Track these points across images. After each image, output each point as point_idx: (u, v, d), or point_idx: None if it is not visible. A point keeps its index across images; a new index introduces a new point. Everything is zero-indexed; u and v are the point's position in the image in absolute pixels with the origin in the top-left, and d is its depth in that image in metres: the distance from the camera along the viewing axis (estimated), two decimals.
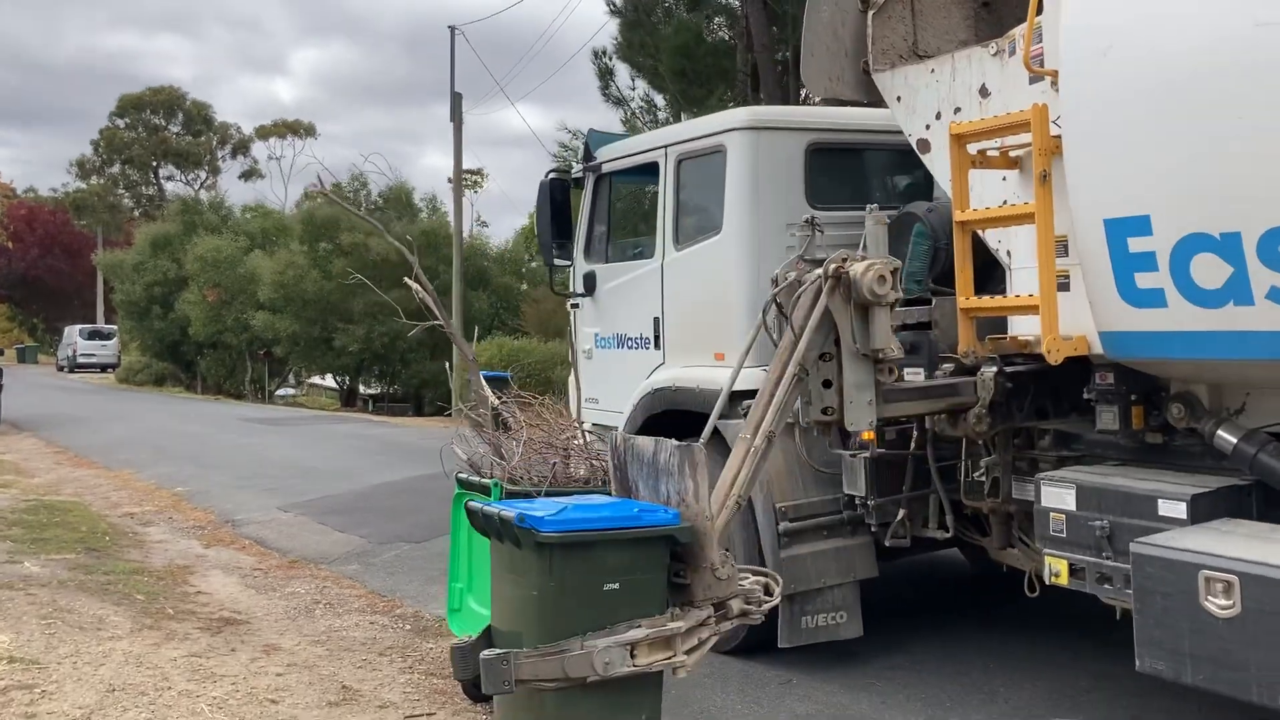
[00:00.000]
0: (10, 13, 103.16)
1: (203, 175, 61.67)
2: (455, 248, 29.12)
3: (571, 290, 8.23)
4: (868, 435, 5.21)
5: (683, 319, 7.17)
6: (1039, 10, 5.00)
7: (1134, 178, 4.55)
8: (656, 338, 7.33)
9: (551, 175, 8.01)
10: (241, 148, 61.38)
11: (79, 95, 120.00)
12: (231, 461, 16.64)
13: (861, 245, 5.34)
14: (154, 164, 61.76)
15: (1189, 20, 4.33)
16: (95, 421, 24.03)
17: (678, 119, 18.61)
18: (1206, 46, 4.26)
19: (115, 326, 51.16)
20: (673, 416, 7.05)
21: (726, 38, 21.54)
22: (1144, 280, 4.58)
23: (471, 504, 5.24)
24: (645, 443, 5.16)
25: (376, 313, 31.22)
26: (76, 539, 10.03)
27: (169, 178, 62.84)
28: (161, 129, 60.81)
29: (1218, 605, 4.16)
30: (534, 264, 36.71)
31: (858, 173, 7.30)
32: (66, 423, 23.52)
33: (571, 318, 8.32)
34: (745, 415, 6.43)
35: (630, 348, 7.59)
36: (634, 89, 22.68)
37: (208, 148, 61.39)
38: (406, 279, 7.62)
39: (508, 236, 44.69)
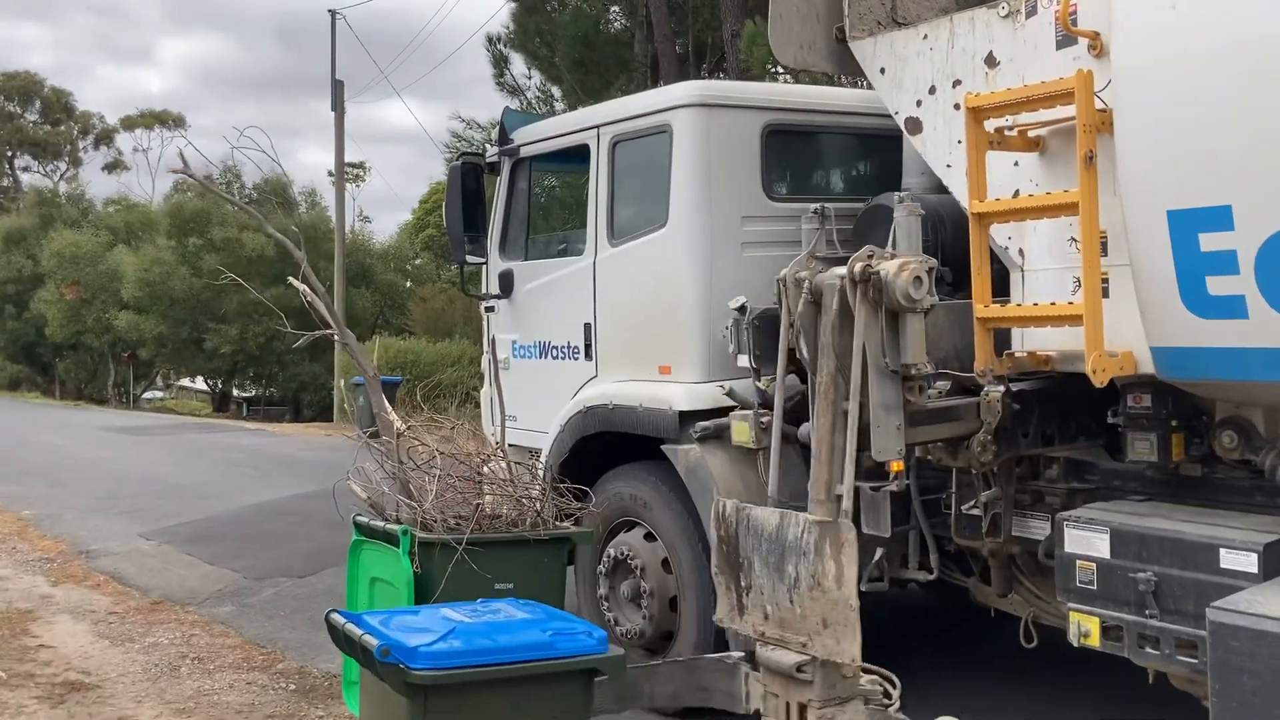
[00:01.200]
0: None
1: (62, 167, 58.35)
2: (338, 242, 27.66)
3: (485, 291, 7.16)
4: (897, 466, 4.28)
5: (620, 325, 6.17)
6: None
7: (1211, 160, 3.70)
8: (588, 347, 6.33)
9: (462, 159, 6.91)
10: (105, 138, 58.01)
11: None
12: (88, 478, 15.03)
13: (890, 241, 4.44)
14: (8, 154, 58.24)
15: None
16: None
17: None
18: None
19: None
20: (608, 439, 6.07)
21: (624, 26, 20.60)
22: (1218, 285, 3.75)
23: (332, 616, 4.25)
24: (767, 514, 4.33)
25: (251, 312, 30.04)
26: None
27: (25, 169, 59.52)
28: (17, 117, 57.27)
29: None
30: (418, 261, 35.45)
31: (820, 159, 6.40)
32: None
33: (485, 322, 7.25)
34: (698, 439, 5.53)
35: (555, 358, 6.57)
36: (530, 78, 21.70)
37: (68, 138, 57.98)
38: (291, 279, 6.41)
39: (392, 232, 43.07)
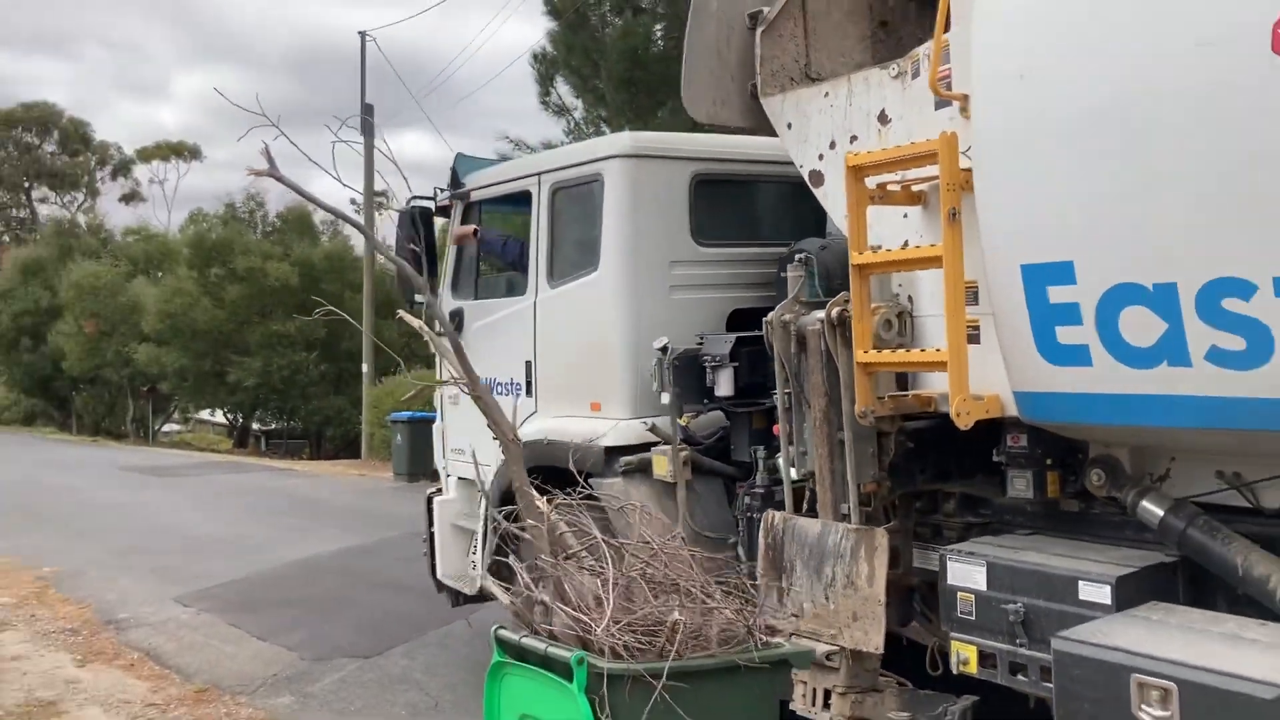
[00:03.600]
0: None
1: (80, 197, 58.28)
2: (366, 272, 26.83)
3: (436, 329, 7.47)
4: (871, 488, 4.92)
5: (556, 363, 6.47)
6: (947, 27, 4.43)
7: (1054, 218, 3.98)
8: (529, 383, 6.63)
9: (412, 202, 7.25)
10: (122, 169, 58.03)
11: None
12: (112, 528, 13.90)
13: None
14: (26, 185, 58.28)
15: (1118, 38, 3.77)
16: None
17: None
18: (1138, 69, 3.70)
19: None
20: (545, 472, 6.34)
21: (674, 41, 20.51)
22: (1066, 335, 4.01)
23: None
24: (810, 524, 4.99)
25: (275, 344, 29.79)
26: None
27: (42, 200, 59.54)
28: (35, 148, 57.41)
29: (1154, 716, 3.58)
30: None
31: (747, 207, 6.69)
32: None
33: (437, 360, 7.56)
34: (622, 473, 5.82)
35: (501, 394, 6.85)
36: (578, 98, 20.65)
37: (86, 168, 57.98)
38: (402, 313, 5.95)
39: None
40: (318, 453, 31.44)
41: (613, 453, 5.87)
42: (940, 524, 5.28)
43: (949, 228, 4.26)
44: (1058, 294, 3.99)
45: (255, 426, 36.81)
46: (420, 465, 14.37)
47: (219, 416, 39.04)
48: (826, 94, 5.27)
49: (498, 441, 6.39)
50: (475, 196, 7.19)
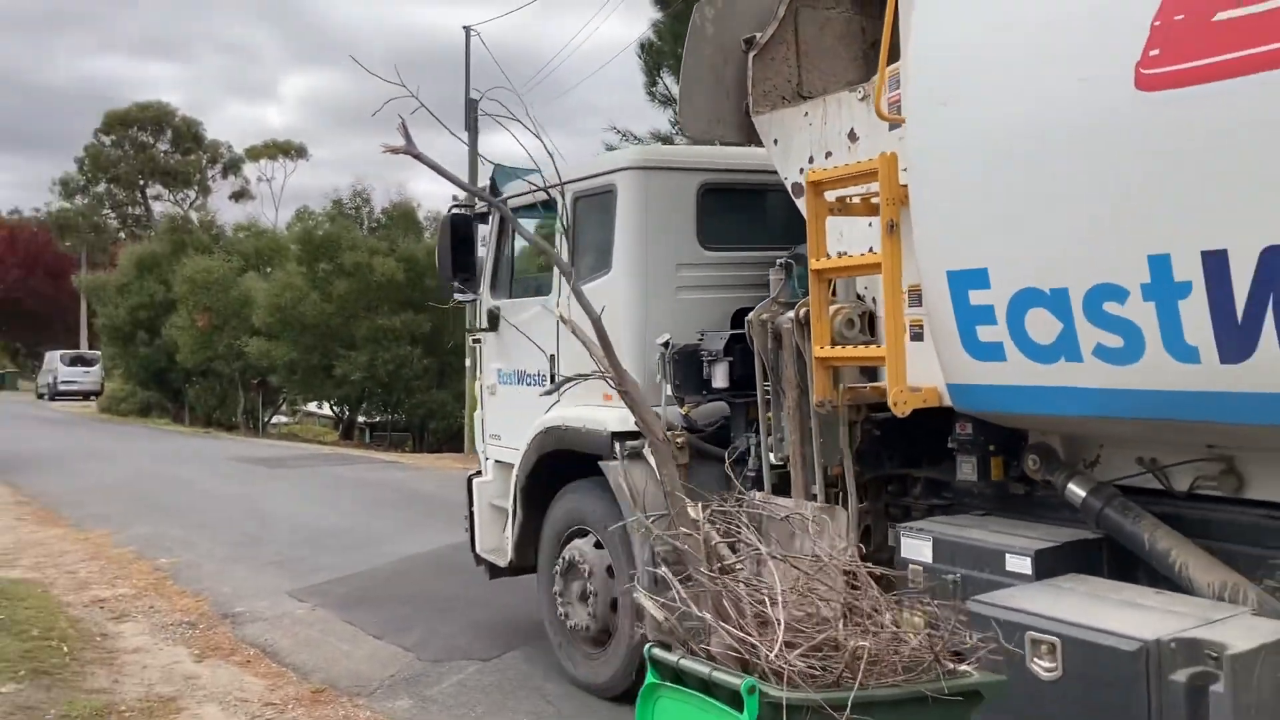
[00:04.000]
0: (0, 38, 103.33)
1: (192, 195, 59.91)
2: None
3: (476, 325, 8.17)
4: (837, 470, 5.51)
5: (575, 357, 7.09)
6: (895, 57, 4.95)
7: (972, 231, 4.49)
8: (552, 376, 7.27)
9: (453, 210, 7.95)
10: (232, 167, 59.91)
11: (68, 119, 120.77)
12: (226, 519, 14.00)
13: (830, 289, 5.39)
14: (141, 182, 60.05)
15: (1018, 74, 4.26)
16: (71, 461, 21.61)
17: None
18: (1033, 102, 4.20)
19: (98, 352, 49.38)
20: (565, 456, 6.99)
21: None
22: (984, 334, 4.51)
23: None
24: (783, 502, 5.55)
25: (380, 338, 30.22)
26: (23, 653, 7.47)
27: (156, 197, 61.12)
28: (149, 147, 59.16)
29: (1043, 668, 4.08)
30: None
31: (750, 213, 7.24)
32: (39, 462, 21.05)
33: (476, 352, 8.25)
34: (626, 456, 6.43)
35: (529, 384, 7.52)
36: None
37: (197, 166, 59.77)
38: (557, 311, 6.23)
39: None
40: (420, 445, 31.43)
41: (618, 437, 6.47)
42: (910, 505, 5.78)
43: (888, 238, 4.78)
44: (976, 297, 4.49)
45: (360, 419, 36.97)
46: None
47: (325, 409, 39.18)
48: (806, 114, 5.82)
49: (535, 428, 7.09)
50: (511, 204, 7.86)
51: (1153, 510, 4.65)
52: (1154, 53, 3.77)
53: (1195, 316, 3.81)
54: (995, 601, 4.38)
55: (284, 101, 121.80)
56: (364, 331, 30.18)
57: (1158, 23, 3.78)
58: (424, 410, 31.80)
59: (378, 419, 36.31)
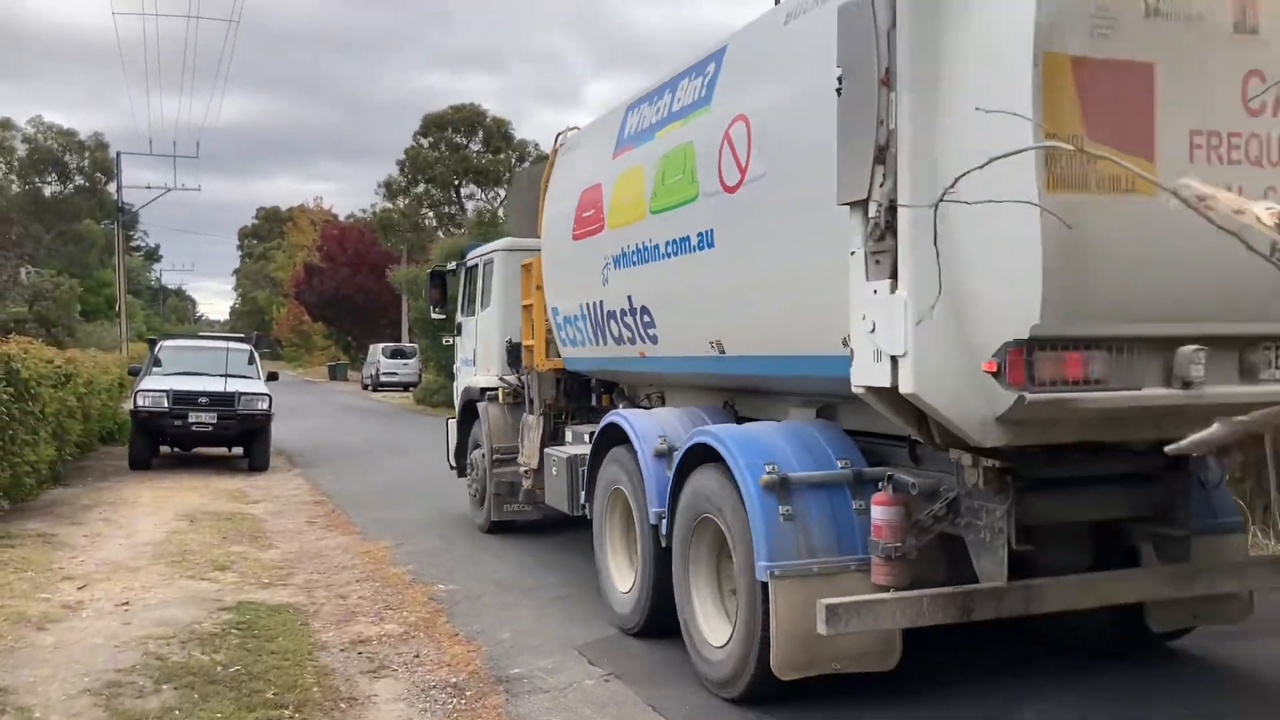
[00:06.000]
0: (338, 60, 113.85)
1: (501, 193, 59.52)
2: None
3: (452, 332, 14.71)
4: (551, 401, 11.59)
5: (481, 350, 13.40)
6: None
7: (553, 286, 10.55)
8: (474, 360, 13.59)
9: (434, 269, 14.62)
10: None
11: (393, 131, 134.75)
12: (517, 540, 12.15)
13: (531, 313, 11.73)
14: (455, 182, 60.64)
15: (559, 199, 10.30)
16: (373, 456, 21.82)
17: None
18: (554, 215, 10.26)
19: (416, 345, 50.61)
20: (472, 401, 13.28)
21: None
22: (567, 333, 10.52)
23: None
24: (528, 418, 11.48)
25: None
26: None
27: (469, 196, 61.83)
28: (462, 147, 60.14)
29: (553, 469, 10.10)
30: None
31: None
32: (342, 457, 21.57)
33: (456, 346, 14.73)
34: (488, 400, 12.67)
35: (468, 365, 13.88)
36: None
37: (507, 165, 59.39)
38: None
39: None
40: None
41: (484, 391, 12.74)
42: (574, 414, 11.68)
43: (536, 292, 10.88)
44: (558, 319, 10.53)
45: None
46: None
47: None
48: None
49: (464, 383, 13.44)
50: (469, 262, 14.20)
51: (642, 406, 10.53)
52: (577, 230, 9.78)
53: (614, 326, 9.76)
54: (555, 451, 10.43)
55: (588, 104, 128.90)
56: None
57: (577, 217, 9.79)
58: None
59: None
